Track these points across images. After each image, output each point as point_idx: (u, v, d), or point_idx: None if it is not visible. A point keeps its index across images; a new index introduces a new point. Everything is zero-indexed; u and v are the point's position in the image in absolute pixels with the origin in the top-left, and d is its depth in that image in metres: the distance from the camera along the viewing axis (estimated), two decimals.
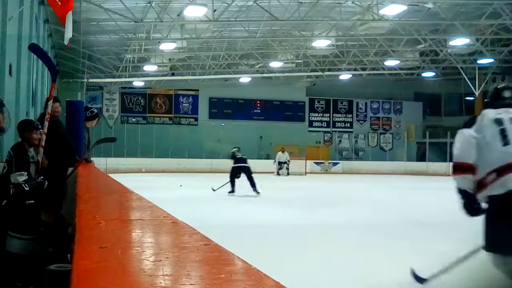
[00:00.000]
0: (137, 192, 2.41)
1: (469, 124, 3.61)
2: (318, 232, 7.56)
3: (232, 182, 13.47)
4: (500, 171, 3.15)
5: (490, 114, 3.49)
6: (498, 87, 3.97)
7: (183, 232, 1.30)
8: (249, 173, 13.39)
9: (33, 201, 4.26)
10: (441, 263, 4.96)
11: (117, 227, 1.42)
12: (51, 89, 5.58)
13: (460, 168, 3.51)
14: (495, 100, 3.77)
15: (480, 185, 3.27)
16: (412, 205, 12.20)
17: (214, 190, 13.55)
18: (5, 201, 4.08)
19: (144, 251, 1.07)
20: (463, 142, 3.52)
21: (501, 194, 3.13)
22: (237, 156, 13.86)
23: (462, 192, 3.60)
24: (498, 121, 3.41)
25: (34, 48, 6.20)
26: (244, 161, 13.73)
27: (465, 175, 3.49)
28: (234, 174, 13.48)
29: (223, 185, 13.51)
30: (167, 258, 1.00)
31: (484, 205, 3.39)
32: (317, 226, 8.13)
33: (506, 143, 3.26)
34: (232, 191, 13.37)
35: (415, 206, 11.90)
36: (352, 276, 4.82)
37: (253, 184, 13.27)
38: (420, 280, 4.38)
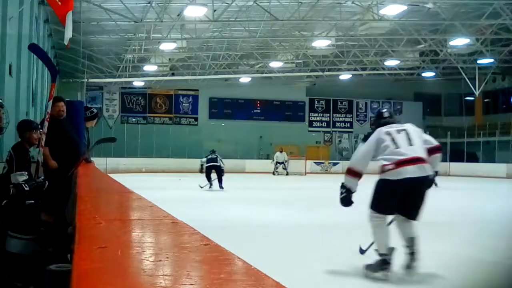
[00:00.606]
0: (137, 192, 2.41)
1: (367, 137, 5.26)
2: (318, 232, 7.56)
3: (209, 177, 15.29)
4: (397, 164, 4.65)
5: (383, 129, 5.09)
6: (381, 110, 5.64)
7: (183, 232, 1.30)
8: (218, 170, 15.28)
9: (33, 201, 4.26)
10: (441, 263, 4.97)
11: (117, 227, 1.43)
12: (51, 90, 5.58)
13: (353, 173, 4.96)
14: (379, 119, 5.38)
15: (382, 171, 4.75)
16: None
17: (201, 187, 15.11)
18: (5, 201, 4.09)
19: (144, 251, 1.07)
20: (364, 154, 5.04)
21: (396, 180, 4.61)
22: (208, 157, 15.61)
23: (346, 189, 4.99)
24: (388, 133, 4.99)
25: (34, 48, 6.20)
26: (213, 160, 15.39)
27: (354, 179, 4.93)
28: (207, 172, 15.39)
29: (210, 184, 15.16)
30: (167, 258, 1.00)
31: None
32: (317, 226, 8.13)
33: (397, 146, 4.83)
34: (210, 185, 15.19)
35: None
36: (352, 276, 4.81)
37: (220, 180, 15.12)
38: (362, 251, 5.44)
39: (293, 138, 30.64)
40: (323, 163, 30.70)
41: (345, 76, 30.21)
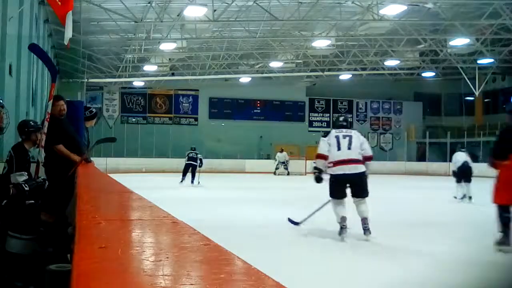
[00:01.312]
0: (137, 192, 2.41)
1: (326, 135, 7.06)
2: (318, 232, 7.56)
3: (184, 173, 17.24)
4: (335, 163, 6.61)
5: (333, 132, 6.81)
6: (339, 117, 7.49)
7: (183, 232, 1.30)
8: (193, 169, 17.00)
9: (33, 201, 4.26)
10: (441, 263, 4.98)
11: (117, 227, 1.42)
12: (51, 90, 5.58)
13: (320, 157, 6.85)
14: (336, 123, 7.36)
15: (329, 167, 6.67)
16: (412, 205, 12.20)
17: (180, 182, 16.86)
18: (5, 201, 4.09)
19: (144, 251, 1.07)
20: (323, 144, 6.85)
21: (337, 174, 6.60)
22: (189, 155, 17.28)
23: (317, 169, 6.92)
24: (336, 137, 6.73)
25: (34, 48, 6.20)
26: (192, 159, 17.15)
27: (322, 160, 6.81)
28: (185, 169, 17.20)
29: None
30: (167, 258, 1.00)
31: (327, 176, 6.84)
32: (317, 226, 8.12)
33: (339, 149, 6.64)
34: (182, 180, 17.01)
35: (415, 206, 11.90)
36: (352, 276, 4.82)
37: (193, 177, 16.87)
38: (294, 223, 7.29)
39: (293, 138, 30.63)
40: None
41: (345, 76, 30.21)
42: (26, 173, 4.63)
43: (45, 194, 4.62)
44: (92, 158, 7.19)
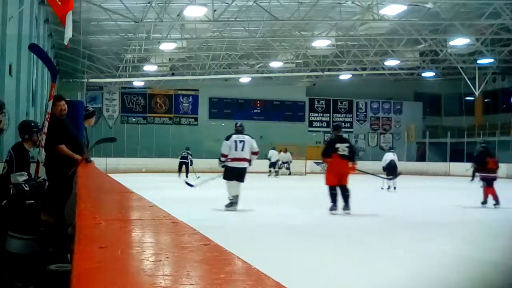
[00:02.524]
0: (137, 192, 2.41)
1: (228, 138, 9.89)
2: (318, 232, 7.56)
3: (179, 170, 20.93)
4: (232, 159, 9.70)
5: (233, 137, 9.76)
6: (237, 124, 10.28)
7: (183, 232, 1.30)
8: (186, 166, 20.66)
9: (33, 201, 4.26)
10: (441, 263, 4.98)
11: (117, 227, 1.42)
12: (51, 90, 5.58)
13: (223, 155, 9.82)
14: (235, 128, 10.05)
15: (227, 161, 9.70)
16: (412, 205, 12.20)
17: (178, 177, 19.25)
18: (5, 201, 4.08)
19: (144, 251, 1.07)
20: (226, 146, 9.83)
21: (231, 167, 9.73)
22: (182, 155, 21.13)
23: (222, 160, 9.97)
24: (235, 141, 9.67)
25: (34, 48, 6.20)
26: (184, 158, 20.96)
27: (224, 157, 9.80)
28: (180, 166, 21.07)
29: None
30: (167, 258, 1.00)
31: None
32: (317, 226, 8.13)
33: (235, 150, 9.68)
34: (179, 175, 20.10)
35: (415, 206, 11.91)
36: (352, 276, 4.82)
37: (187, 173, 19.92)
38: (190, 185, 11.07)
39: (293, 138, 30.62)
40: (323, 163, 30.63)
41: (345, 76, 30.20)
42: (26, 173, 4.63)
43: (45, 194, 4.61)
44: (92, 158, 7.18)
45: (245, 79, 30.14)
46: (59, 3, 6.09)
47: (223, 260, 1.00)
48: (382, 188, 15.46)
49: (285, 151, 26.87)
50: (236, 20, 18.73)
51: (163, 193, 12.46)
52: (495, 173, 11.69)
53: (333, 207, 9.42)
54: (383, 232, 7.54)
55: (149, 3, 16.51)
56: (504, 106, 33.25)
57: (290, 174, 26.39)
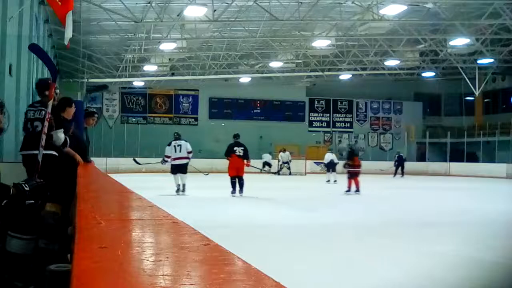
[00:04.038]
0: (137, 192, 2.42)
1: (169, 144, 13.38)
2: (318, 232, 7.56)
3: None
4: (173, 159, 12.99)
5: (173, 143, 13.14)
6: (177, 132, 13.91)
7: (183, 232, 1.30)
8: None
9: (33, 201, 4.25)
10: (441, 263, 4.97)
11: (117, 227, 1.43)
12: (51, 90, 5.58)
13: (167, 156, 13.21)
14: (173, 135, 13.61)
15: (171, 160, 13.04)
16: (412, 205, 12.20)
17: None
18: (5, 201, 4.08)
19: (144, 251, 1.07)
20: (168, 149, 13.31)
21: (174, 163, 13.01)
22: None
23: (166, 160, 13.42)
24: (174, 146, 13.20)
25: (34, 48, 6.19)
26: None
27: (168, 158, 13.15)
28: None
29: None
30: (167, 258, 1.00)
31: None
32: (317, 226, 8.13)
33: (175, 152, 13.11)
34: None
35: (415, 206, 11.91)
36: (352, 276, 4.82)
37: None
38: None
39: (293, 138, 30.62)
40: (323, 163, 30.63)
41: (345, 76, 30.19)
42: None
43: (52, 185, 4.64)
44: (92, 158, 7.19)
45: (245, 79, 30.13)
46: (59, 3, 6.10)
47: (223, 260, 1.00)
48: (328, 181, 19.64)
49: (284, 151, 26.91)
50: (236, 20, 18.72)
51: (163, 193, 12.47)
52: (359, 168, 14.63)
53: (233, 192, 12.78)
54: (383, 232, 7.54)
55: (149, 3, 16.50)
56: (504, 106, 33.25)
57: (290, 174, 26.41)
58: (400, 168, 26.56)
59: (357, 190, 14.09)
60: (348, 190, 14.19)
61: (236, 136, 14.04)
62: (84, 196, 2.33)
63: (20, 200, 4.03)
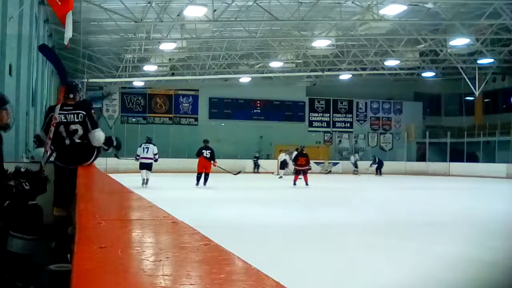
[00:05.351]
0: (137, 192, 2.42)
1: (140, 145, 16.15)
2: (318, 232, 7.56)
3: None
4: (141, 158, 15.82)
5: (143, 146, 16.04)
6: (147, 137, 16.89)
7: (183, 232, 1.30)
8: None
9: (35, 202, 4.25)
10: (441, 263, 4.97)
11: (117, 227, 1.43)
12: (60, 93, 5.57)
13: (137, 155, 15.88)
14: (146, 139, 16.50)
15: (140, 159, 16.01)
16: (412, 205, 12.20)
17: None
18: (7, 202, 4.08)
19: (144, 251, 1.07)
20: (139, 150, 15.93)
21: (141, 162, 15.89)
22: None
23: (137, 158, 16.08)
24: (143, 148, 15.86)
25: (43, 49, 6.19)
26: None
27: (137, 157, 15.94)
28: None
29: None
30: (167, 258, 1.00)
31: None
32: (317, 226, 8.13)
33: (144, 153, 15.73)
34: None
35: (415, 206, 11.91)
36: (352, 276, 4.82)
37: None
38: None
39: (293, 138, 30.58)
40: (323, 163, 30.67)
41: (345, 76, 30.19)
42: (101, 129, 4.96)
43: (57, 189, 4.64)
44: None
45: (245, 79, 30.12)
46: (59, 3, 6.10)
47: (223, 260, 1.00)
48: (280, 177, 22.88)
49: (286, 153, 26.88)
50: (236, 20, 18.72)
51: (163, 193, 12.47)
52: (304, 167, 17.55)
53: (197, 184, 15.87)
54: (383, 232, 7.54)
55: (149, 3, 16.50)
56: (504, 106, 33.25)
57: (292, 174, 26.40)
58: (379, 169, 28.15)
59: (306, 184, 17.06)
60: (294, 184, 17.48)
61: (205, 141, 16.58)
62: (84, 196, 2.33)
63: (22, 200, 4.03)
